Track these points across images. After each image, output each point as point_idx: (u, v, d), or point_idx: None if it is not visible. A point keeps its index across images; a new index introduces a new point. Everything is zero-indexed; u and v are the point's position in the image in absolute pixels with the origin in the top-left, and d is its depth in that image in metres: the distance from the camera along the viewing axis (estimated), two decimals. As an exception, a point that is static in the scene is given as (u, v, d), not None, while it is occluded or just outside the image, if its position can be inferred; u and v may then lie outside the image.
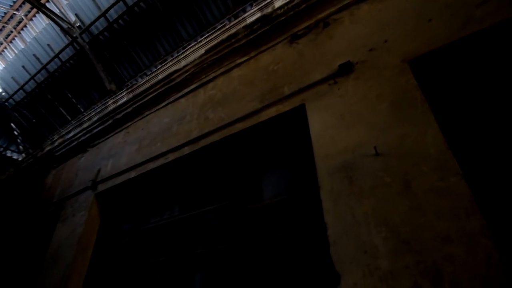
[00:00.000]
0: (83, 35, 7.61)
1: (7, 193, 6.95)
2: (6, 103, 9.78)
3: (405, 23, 2.68)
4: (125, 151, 4.67)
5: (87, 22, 7.50)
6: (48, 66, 8.63)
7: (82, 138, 5.69)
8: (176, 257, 3.39)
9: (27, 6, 9.58)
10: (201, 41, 4.50)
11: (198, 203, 3.58)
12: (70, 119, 9.09)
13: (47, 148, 6.52)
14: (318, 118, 2.75)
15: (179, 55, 4.76)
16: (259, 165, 3.32)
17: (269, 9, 3.74)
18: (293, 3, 3.52)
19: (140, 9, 6.95)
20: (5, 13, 10.08)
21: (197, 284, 3.09)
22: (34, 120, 9.78)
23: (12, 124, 10.05)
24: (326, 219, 2.22)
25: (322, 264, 2.31)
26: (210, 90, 4.06)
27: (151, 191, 4.24)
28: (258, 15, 3.84)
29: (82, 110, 8.81)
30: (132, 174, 4.23)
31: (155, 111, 4.73)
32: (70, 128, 6.24)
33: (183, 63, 4.52)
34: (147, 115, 4.83)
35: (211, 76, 4.15)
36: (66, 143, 6.03)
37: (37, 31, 9.45)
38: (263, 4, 3.92)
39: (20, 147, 10.30)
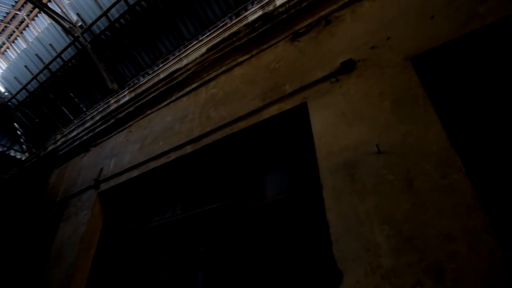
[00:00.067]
0: (85, 35, 7.63)
1: (11, 193, 7.00)
2: (9, 103, 9.83)
3: (407, 20, 2.66)
4: (127, 150, 4.69)
5: (89, 21, 7.52)
6: (51, 66, 8.66)
7: (85, 137, 5.71)
8: (179, 256, 3.40)
9: (29, 6, 9.61)
10: (202, 40, 4.50)
11: (200, 202, 3.59)
12: (72, 118, 9.13)
13: (50, 148, 6.55)
14: (320, 116, 2.74)
15: (180, 54, 4.76)
16: (261, 163, 3.32)
17: (271, 7, 3.73)
18: (294, 1, 3.51)
19: (142, 8, 6.95)
20: (7, 13, 10.11)
21: (200, 282, 3.10)
22: (37, 120, 9.83)
23: (15, 124, 10.11)
24: (328, 217, 2.22)
25: (325, 262, 2.31)
26: (212, 88, 4.06)
27: (154, 190, 4.25)
28: (260, 13, 3.83)
29: (85, 110, 8.84)
30: (135, 173, 4.25)
31: (157, 110, 4.74)
32: (73, 127, 6.26)
33: (184, 62, 4.52)
34: (149, 114, 4.84)
35: (212, 75, 4.15)
36: (69, 142, 6.05)
37: (39, 31, 9.48)
38: (264, 2, 3.91)
39: (24, 146, 10.36)
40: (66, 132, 6.40)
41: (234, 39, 3.96)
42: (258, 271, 2.71)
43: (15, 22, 10.28)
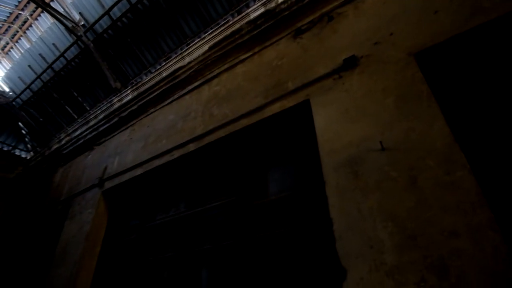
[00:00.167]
0: (88, 34, 7.66)
1: (16, 191, 7.06)
2: (14, 103, 9.90)
3: (411, 16, 2.64)
4: (131, 149, 4.71)
5: (91, 20, 7.54)
6: (54, 65, 8.71)
7: (89, 136, 5.74)
8: (183, 253, 3.41)
9: (32, 5, 9.66)
10: (204, 38, 4.49)
11: (203, 200, 3.60)
12: (76, 117, 9.19)
13: (55, 147, 6.60)
14: (323, 113, 2.73)
15: (183, 52, 4.76)
16: (264, 161, 3.32)
17: (273, 4, 3.71)
18: (296, -2, 3.49)
19: (144, 7, 6.96)
20: (11, 13, 10.17)
21: (204, 280, 3.11)
22: (41, 119, 9.90)
23: (20, 123, 10.19)
24: (332, 214, 2.22)
25: (328, 259, 2.31)
26: (214, 86, 4.06)
27: (157, 188, 4.27)
28: (262, 10, 3.81)
29: (88, 109, 8.90)
30: (138, 171, 4.26)
31: (160, 108, 4.75)
32: (77, 126, 6.29)
33: (187, 60, 4.52)
34: (152, 112, 4.85)
35: (215, 73, 4.14)
36: (73, 141, 6.09)
37: (42, 30, 9.53)
38: (266, -1, 3.89)
39: (28, 145, 10.45)
40: (70, 131, 6.44)
41: (236, 36, 3.96)
42: (262, 268, 2.72)
43: (18, 22, 10.35)
